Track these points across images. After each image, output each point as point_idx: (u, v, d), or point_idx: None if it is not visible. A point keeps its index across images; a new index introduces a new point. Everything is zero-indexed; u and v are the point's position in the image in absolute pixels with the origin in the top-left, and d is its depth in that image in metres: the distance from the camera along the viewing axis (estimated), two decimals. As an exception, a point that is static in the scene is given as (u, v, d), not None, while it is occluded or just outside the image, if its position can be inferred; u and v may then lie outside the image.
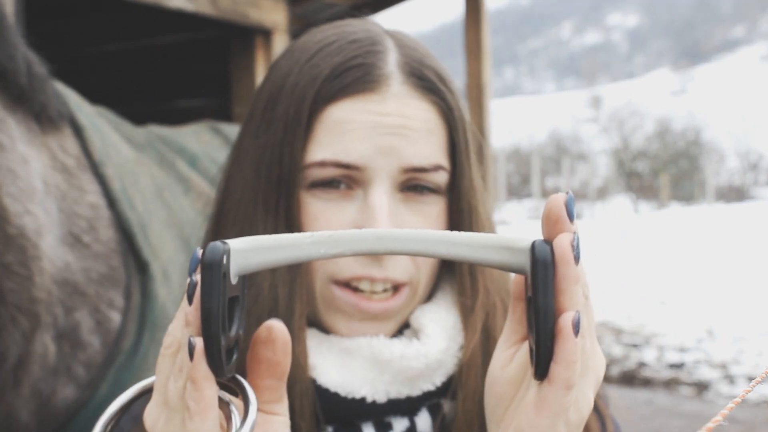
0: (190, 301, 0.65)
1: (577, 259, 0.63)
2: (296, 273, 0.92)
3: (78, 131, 1.55)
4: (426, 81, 0.96)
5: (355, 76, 0.93)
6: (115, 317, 1.45)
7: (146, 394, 0.76)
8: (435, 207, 0.97)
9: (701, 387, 7.29)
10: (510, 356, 0.73)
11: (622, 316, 10.25)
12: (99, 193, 1.51)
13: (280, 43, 3.77)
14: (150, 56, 4.54)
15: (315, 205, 0.93)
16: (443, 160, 0.96)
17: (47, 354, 1.33)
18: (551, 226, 0.64)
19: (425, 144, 0.94)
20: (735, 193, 36.93)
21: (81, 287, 1.40)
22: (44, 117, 1.41)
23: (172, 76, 4.61)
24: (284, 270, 0.92)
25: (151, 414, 0.71)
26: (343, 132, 0.92)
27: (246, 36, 3.77)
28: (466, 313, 0.98)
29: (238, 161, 1.00)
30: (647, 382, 7.54)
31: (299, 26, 4.06)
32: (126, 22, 4.28)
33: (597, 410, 1.03)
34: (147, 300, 1.50)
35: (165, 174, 1.93)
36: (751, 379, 7.28)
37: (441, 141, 0.96)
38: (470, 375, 0.95)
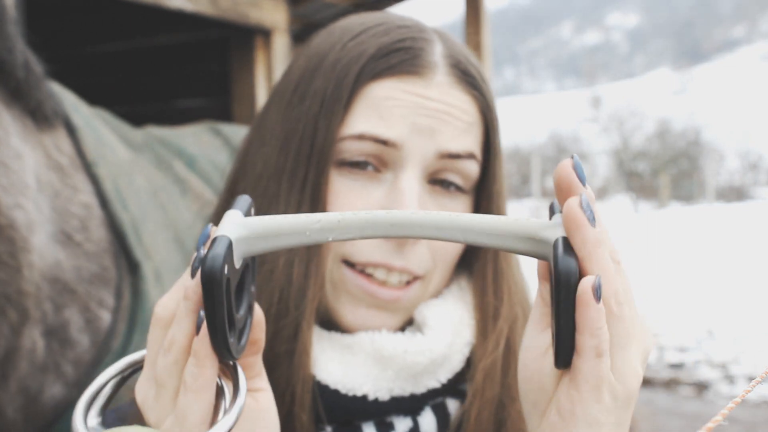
0: (193, 275, 0.64)
1: (591, 220, 0.60)
2: (314, 251, 0.90)
3: (72, 131, 1.54)
4: (469, 77, 0.95)
5: (402, 57, 0.92)
6: (105, 316, 1.45)
7: (137, 369, 0.74)
8: (461, 205, 0.96)
9: (701, 387, 7.28)
10: (545, 343, 0.68)
11: (622, 316, 10.23)
12: (92, 192, 1.51)
13: (280, 43, 3.77)
14: (150, 56, 4.53)
15: (341, 184, 0.91)
16: (478, 152, 0.95)
17: (35, 350, 1.32)
18: (564, 193, 0.63)
19: (463, 133, 0.93)
20: (735, 193, 36.89)
21: (71, 285, 1.40)
22: (39, 115, 1.41)
23: (172, 76, 4.60)
24: (302, 248, 0.89)
25: (141, 389, 0.69)
26: (383, 108, 0.90)
27: (246, 36, 3.76)
28: (487, 316, 0.95)
29: (260, 135, 0.97)
30: (647, 382, 7.52)
31: (299, 26, 4.05)
32: (126, 22, 4.27)
33: None
34: (138, 300, 1.49)
35: (162, 175, 1.92)
36: (751, 379, 7.28)
37: (477, 136, 0.96)
38: (488, 384, 0.92)
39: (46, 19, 4.33)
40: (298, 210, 0.91)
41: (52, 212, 1.38)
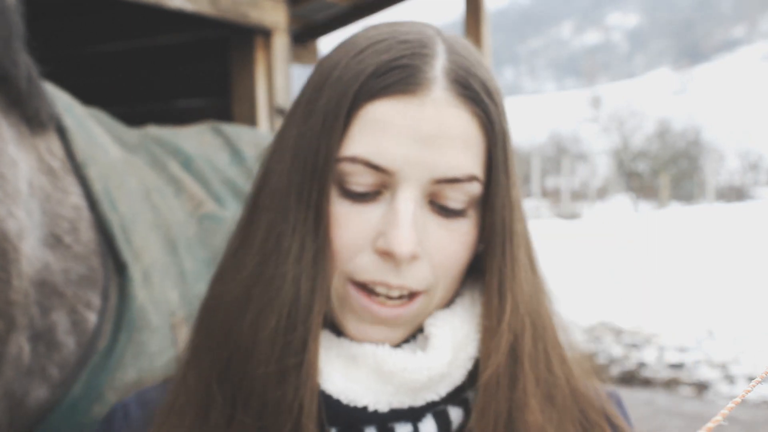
0: None
1: None
2: (320, 267, 0.92)
3: (63, 133, 1.53)
4: (470, 90, 0.94)
5: (398, 76, 0.92)
6: (92, 318, 1.43)
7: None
8: (464, 223, 0.96)
9: (701, 387, 7.29)
10: None
11: (622, 316, 10.25)
12: (81, 194, 1.50)
13: (280, 43, 3.77)
14: (150, 56, 4.53)
15: (341, 206, 0.93)
16: (479, 171, 0.95)
17: (21, 355, 1.31)
18: None
19: (460, 154, 0.93)
20: (735, 193, 36.89)
21: (59, 288, 1.39)
22: (35, 120, 1.40)
23: (172, 76, 4.60)
24: (309, 264, 0.92)
25: None
26: (378, 133, 0.91)
27: (246, 36, 3.76)
28: (489, 335, 0.96)
29: (279, 148, 1.00)
30: (647, 382, 7.54)
31: (299, 26, 4.05)
32: (126, 22, 4.27)
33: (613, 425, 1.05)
34: (124, 301, 1.48)
35: (156, 175, 1.91)
36: (751, 379, 7.28)
37: (478, 153, 0.95)
38: (492, 400, 0.93)
39: (46, 19, 4.33)
40: (303, 227, 0.93)
41: (43, 216, 1.37)
